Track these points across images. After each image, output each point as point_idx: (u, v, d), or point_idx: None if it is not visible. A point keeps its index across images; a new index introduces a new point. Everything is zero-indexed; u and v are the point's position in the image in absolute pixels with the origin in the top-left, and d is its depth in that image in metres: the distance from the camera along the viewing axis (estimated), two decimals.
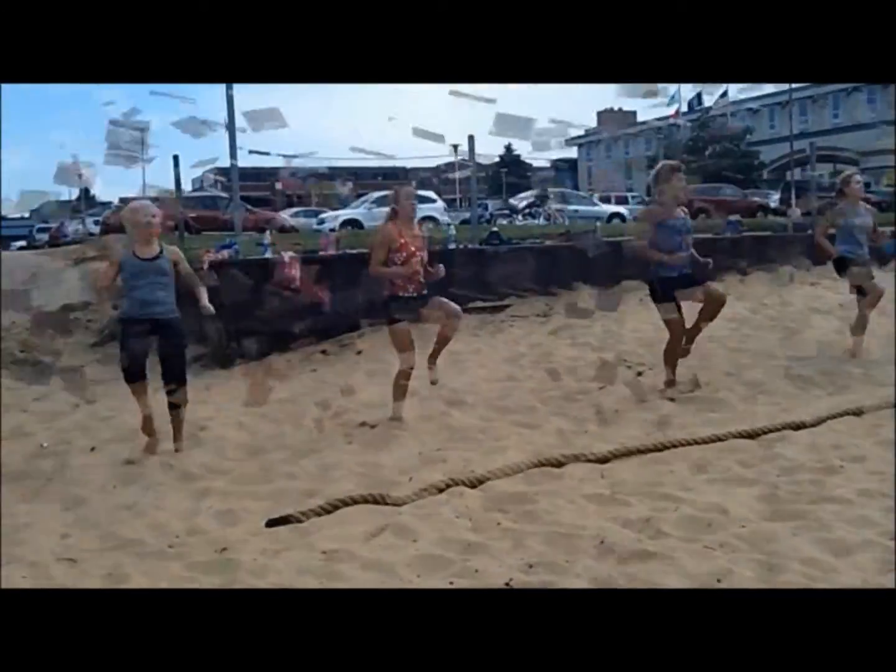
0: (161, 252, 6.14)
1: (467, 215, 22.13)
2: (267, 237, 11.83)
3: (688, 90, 52.55)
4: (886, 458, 5.07)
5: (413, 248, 6.49)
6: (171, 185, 13.13)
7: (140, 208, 6.20)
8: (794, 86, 31.47)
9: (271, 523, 4.44)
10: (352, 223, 27.47)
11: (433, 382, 6.87)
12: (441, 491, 4.80)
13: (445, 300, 6.65)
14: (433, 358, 6.77)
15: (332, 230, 16.10)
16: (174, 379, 6.15)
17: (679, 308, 7.06)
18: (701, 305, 7.13)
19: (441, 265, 6.70)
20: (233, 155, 11.02)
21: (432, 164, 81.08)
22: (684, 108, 52.30)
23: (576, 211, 30.29)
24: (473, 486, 4.88)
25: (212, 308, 6.31)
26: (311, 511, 4.54)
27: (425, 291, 6.64)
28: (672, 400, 6.84)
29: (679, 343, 7.11)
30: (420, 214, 6.97)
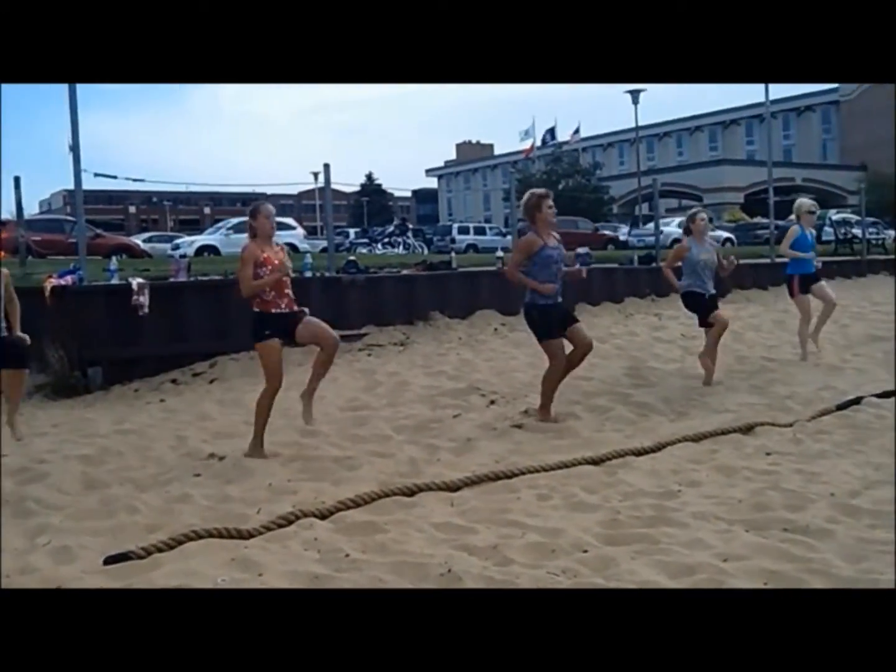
0: None
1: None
2: (114, 262, 11.47)
3: (542, 125, 54.23)
4: (720, 482, 5.32)
5: (277, 262, 6.40)
6: (13, 208, 12.59)
7: None
8: (640, 124, 32.81)
9: (110, 560, 4.27)
10: (208, 249, 26.98)
11: (308, 423, 6.76)
12: (290, 523, 4.72)
13: (323, 325, 6.50)
14: (309, 395, 6.65)
15: (183, 256, 15.72)
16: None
17: (559, 335, 7.11)
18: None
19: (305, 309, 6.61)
20: (77, 177, 10.64)
21: (293, 190, 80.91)
22: (538, 143, 53.78)
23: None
24: (323, 518, 4.83)
25: (26, 338, 6.08)
26: (152, 546, 4.39)
27: (296, 308, 6.52)
28: (520, 427, 6.97)
29: (560, 369, 7.10)
30: (279, 241, 6.87)
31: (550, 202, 7.17)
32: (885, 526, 4.45)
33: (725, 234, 36.04)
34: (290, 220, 28.61)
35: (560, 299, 7.19)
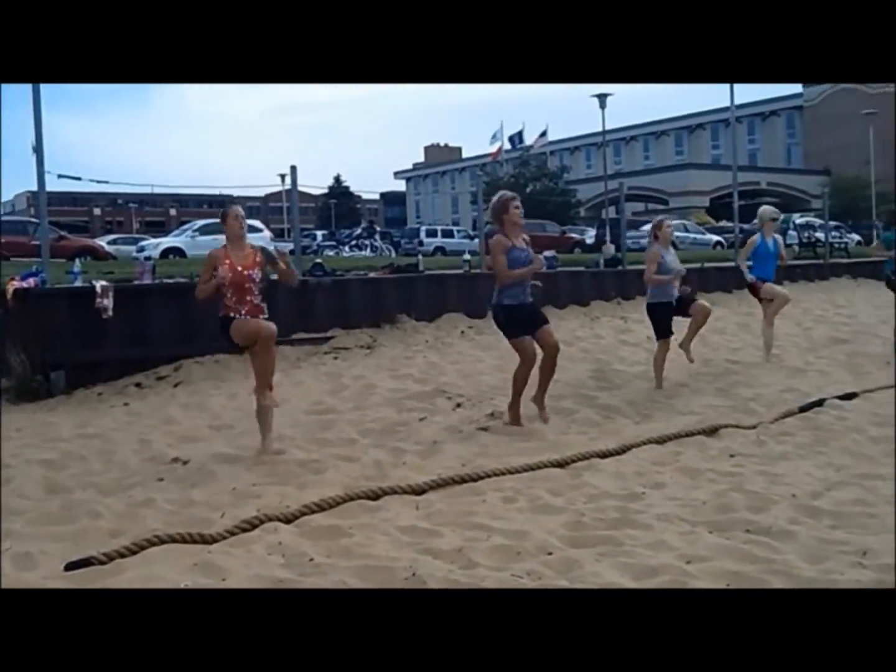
0: None
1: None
2: (77, 265, 11.35)
3: (510, 129, 54.41)
4: (684, 484, 5.36)
5: (239, 267, 6.37)
6: None
7: None
8: (607, 128, 33.04)
9: (71, 566, 4.22)
10: (174, 251, 26.80)
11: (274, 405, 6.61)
12: (254, 527, 4.70)
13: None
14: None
15: (148, 258, 15.59)
16: None
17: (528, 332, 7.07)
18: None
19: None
20: (40, 179, 10.52)
21: (260, 192, 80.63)
22: (506, 146, 53.88)
23: (695, 239, 33.48)
24: (288, 522, 4.81)
25: None
26: (114, 552, 4.35)
27: (263, 316, 6.48)
28: (486, 430, 6.98)
29: (531, 366, 7.07)
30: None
31: (517, 203, 7.20)
32: (845, 527, 4.52)
33: (716, 238, 36.45)
34: (256, 223, 28.42)
35: (530, 299, 7.19)
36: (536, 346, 7.13)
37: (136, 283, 11.80)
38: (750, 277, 10.12)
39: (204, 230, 27.09)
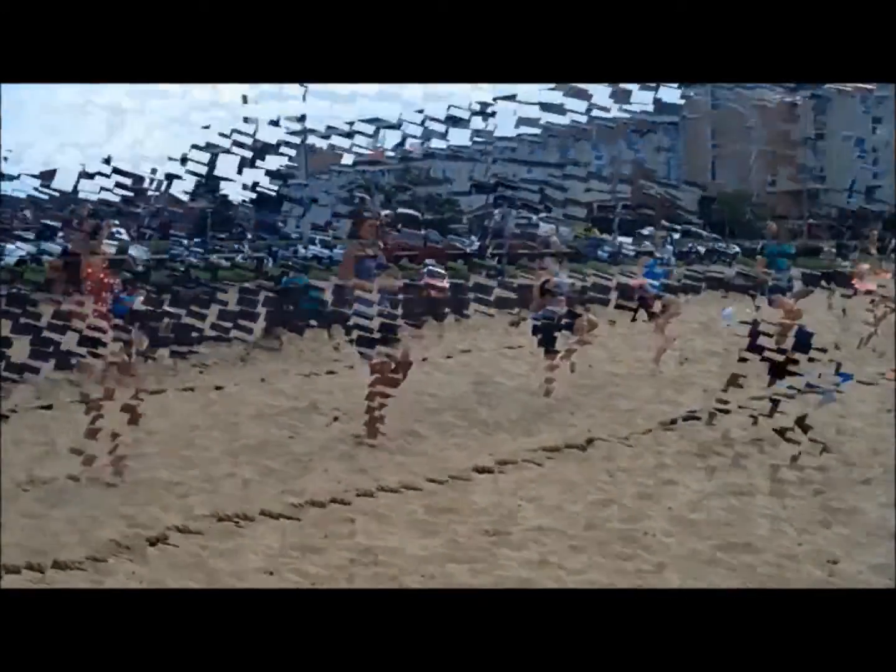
0: None
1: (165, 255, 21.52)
2: None
3: (393, 134, 54.39)
4: (561, 497, 5.35)
5: (105, 280, 6.14)
6: None
7: None
8: (495, 135, 33.34)
9: None
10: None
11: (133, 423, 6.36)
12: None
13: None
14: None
15: None
16: None
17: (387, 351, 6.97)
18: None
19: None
20: None
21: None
22: (390, 153, 53.72)
23: None
24: (153, 545, 4.62)
25: None
26: None
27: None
28: (362, 445, 6.80)
29: (384, 386, 6.96)
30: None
31: (372, 221, 7.23)
32: (718, 536, 4.60)
33: None
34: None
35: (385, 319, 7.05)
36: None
37: None
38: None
39: None
